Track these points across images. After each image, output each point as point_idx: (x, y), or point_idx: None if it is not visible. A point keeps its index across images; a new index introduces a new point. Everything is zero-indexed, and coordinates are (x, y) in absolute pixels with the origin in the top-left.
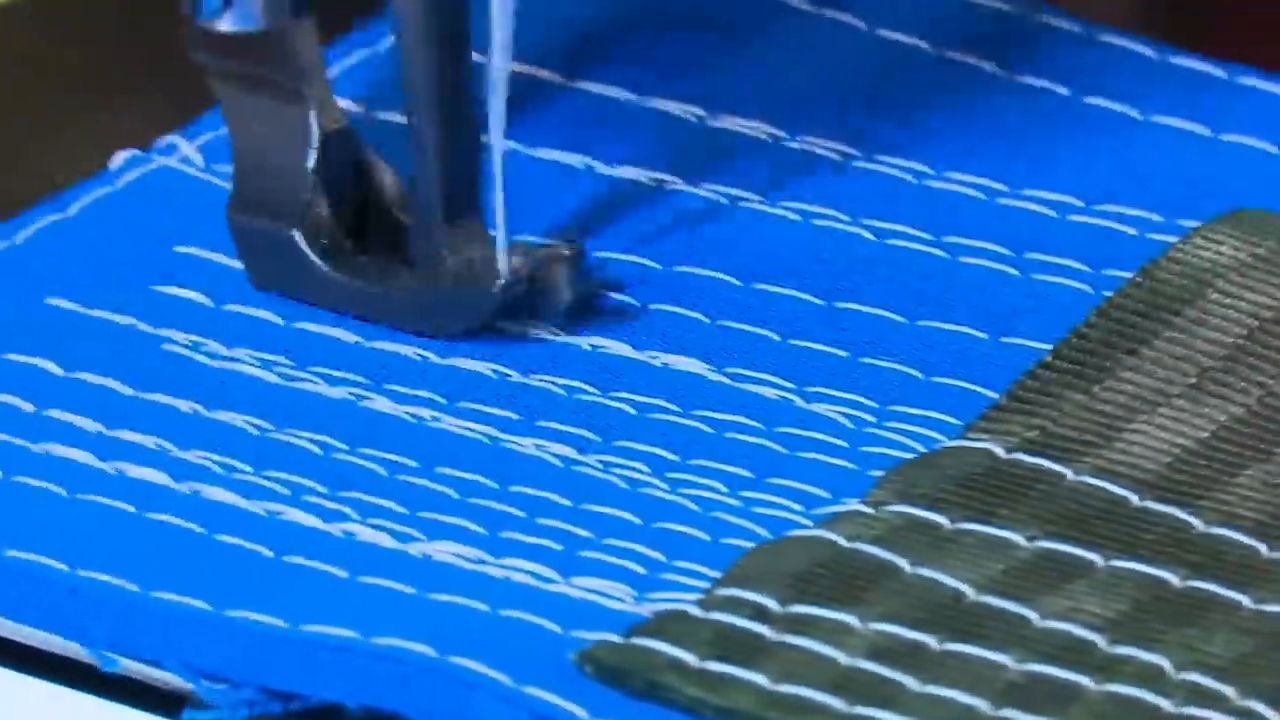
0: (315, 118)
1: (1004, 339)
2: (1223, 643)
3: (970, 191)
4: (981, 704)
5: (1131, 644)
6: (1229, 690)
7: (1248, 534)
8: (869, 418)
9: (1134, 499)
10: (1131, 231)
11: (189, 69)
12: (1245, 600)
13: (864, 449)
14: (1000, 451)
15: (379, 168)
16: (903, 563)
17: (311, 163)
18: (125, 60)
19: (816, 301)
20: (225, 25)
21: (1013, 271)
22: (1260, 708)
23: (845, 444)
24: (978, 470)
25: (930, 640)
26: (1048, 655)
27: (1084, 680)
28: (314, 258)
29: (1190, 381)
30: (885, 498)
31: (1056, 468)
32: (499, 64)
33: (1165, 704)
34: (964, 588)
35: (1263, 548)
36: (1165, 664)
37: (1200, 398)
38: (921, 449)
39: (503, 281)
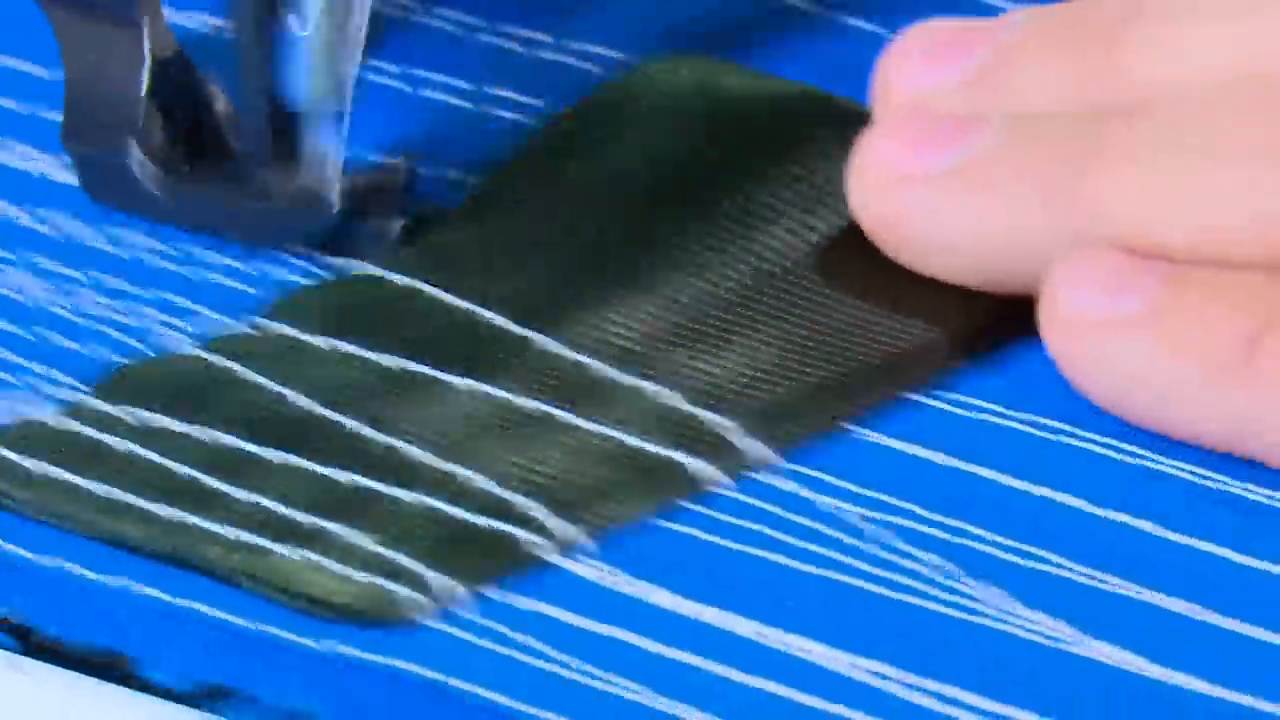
0: (147, 42)
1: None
2: (553, 461)
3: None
4: (298, 514)
5: (457, 462)
6: (536, 506)
7: (608, 360)
8: None
9: (514, 327)
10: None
11: None
12: (579, 421)
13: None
14: (398, 280)
15: (212, 92)
16: (260, 379)
17: (144, 88)
18: None
19: None
20: None
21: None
22: (555, 522)
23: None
24: (369, 296)
25: (265, 452)
26: (374, 469)
27: (400, 494)
28: (149, 181)
29: (597, 221)
30: (274, 316)
31: (441, 295)
32: None
33: (480, 521)
34: (310, 402)
35: (615, 373)
36: (486, 482)
37: (603, 233)
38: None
39: (337, 206)
